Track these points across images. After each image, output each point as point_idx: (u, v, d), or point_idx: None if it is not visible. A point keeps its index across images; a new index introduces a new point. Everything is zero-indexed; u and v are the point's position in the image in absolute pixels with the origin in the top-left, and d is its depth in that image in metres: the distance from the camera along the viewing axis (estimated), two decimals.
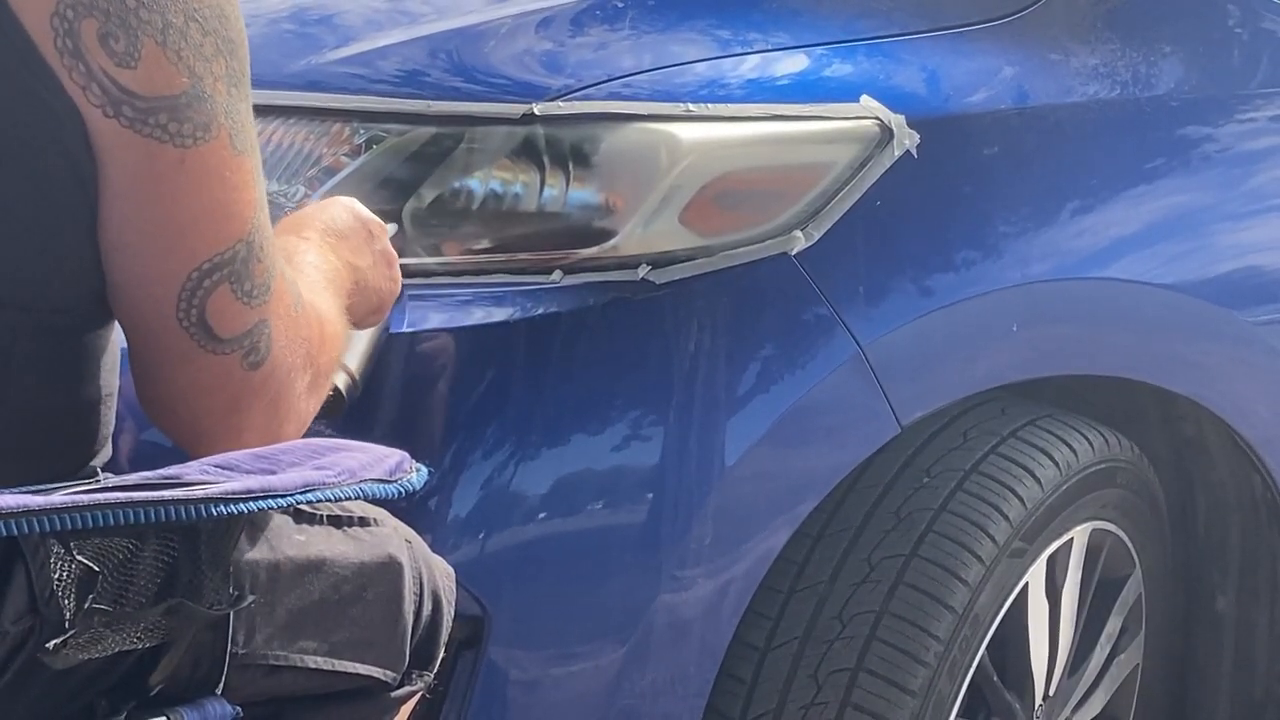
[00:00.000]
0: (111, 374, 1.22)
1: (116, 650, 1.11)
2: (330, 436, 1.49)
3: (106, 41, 1.07)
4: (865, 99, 1.81)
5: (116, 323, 1.21)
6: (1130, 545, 2.17)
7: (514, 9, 1.89)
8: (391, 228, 1.61)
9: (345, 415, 1.52)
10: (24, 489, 1.06)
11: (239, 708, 1.20)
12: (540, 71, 1.79)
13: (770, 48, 1.88)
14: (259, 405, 1.19)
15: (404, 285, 1.57)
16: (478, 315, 1.63)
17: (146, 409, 1.22)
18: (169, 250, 1.12)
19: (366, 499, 1.25)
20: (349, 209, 1.45)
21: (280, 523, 1.25)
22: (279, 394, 1.20)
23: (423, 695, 1.42)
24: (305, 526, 1.27)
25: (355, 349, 1.50)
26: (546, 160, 1.72)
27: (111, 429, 1.24)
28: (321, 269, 1.35)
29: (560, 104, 1.71)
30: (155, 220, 1.12)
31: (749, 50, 1.88)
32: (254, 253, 1.15)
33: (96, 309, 1.17)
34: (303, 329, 1.21)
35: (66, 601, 1.07)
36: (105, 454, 1.23)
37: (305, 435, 1.29)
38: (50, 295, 1.12)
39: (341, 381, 1.48)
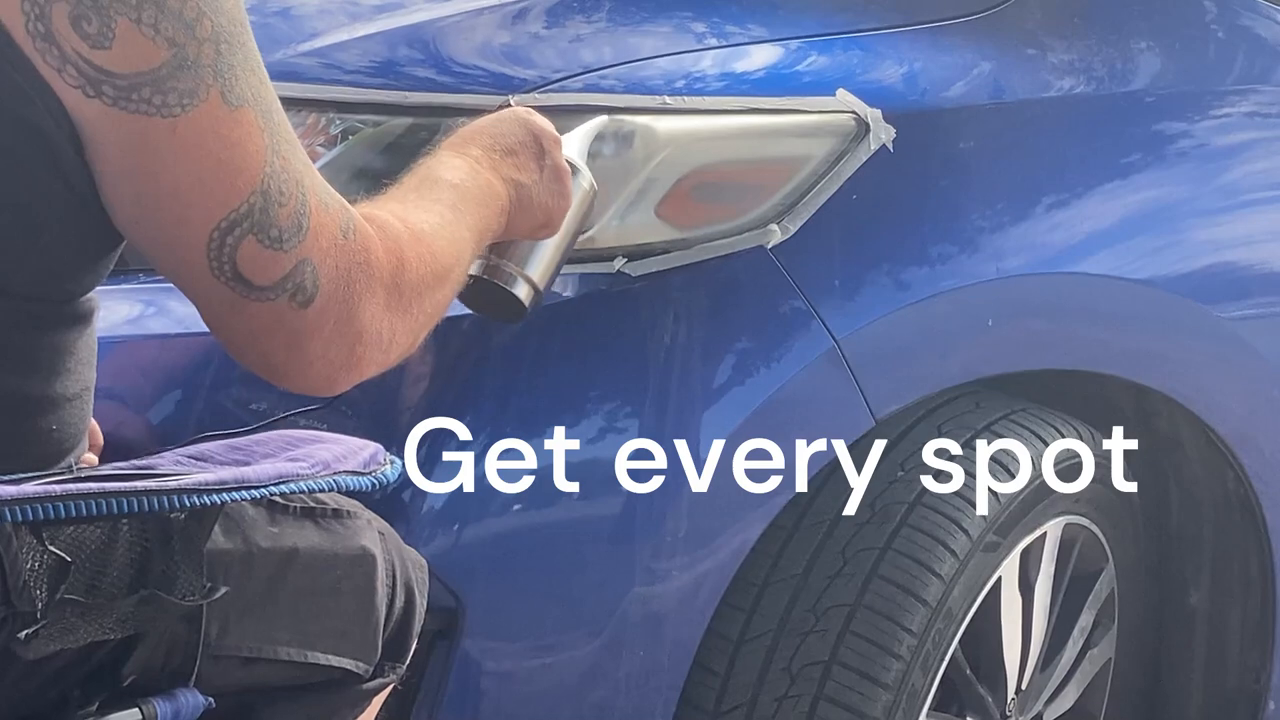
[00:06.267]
0: (88, 368, 1.21)
1: (89, 641, 1.11)
2: (313, 429, 1.50)
3: (79, 24, 1.06)
4: (841, 93, 1.81)
5: (94, 316, 1.21)
6: (1103, 540, 2.17)
7: (486, 1, 1.89)
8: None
9: (324, 407, 1.52)
10: None
11: (212, 699, 1.20)
12: (517, 63, 1.79)
13: (747, 41, 1.89)
14: (320, 337, 1.17)
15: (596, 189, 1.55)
16: (452, 306, 1.63)
17: (228, 350, 1.20)
18: (182, 216, 1.11)
19: (340, 491, 1.25)
20: (522, 122, 1.43)
21: (254, 514, 1.25)
22: (342, 321, 1.17)
23: (395, 687, 1.42)
24: (279, 518, 1.27)
25: (538, 259, 1.51)
26: None
27: (88, 424, 1.23)
28: (463, 188, 1.34)
29: (537, 96, 1.71)
30: (161, 191, 1.11)
31: (726, 43, 1.88)
32: (272, 200, 1.12)
33: (73, 294, 1.16)
34: (357, 255, 1.18)
35: (39, 592, 1.07)
36: (81, 449, 1.23)
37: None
38: (25, 279, 1.12)
39: (523, 291, 1.50)
